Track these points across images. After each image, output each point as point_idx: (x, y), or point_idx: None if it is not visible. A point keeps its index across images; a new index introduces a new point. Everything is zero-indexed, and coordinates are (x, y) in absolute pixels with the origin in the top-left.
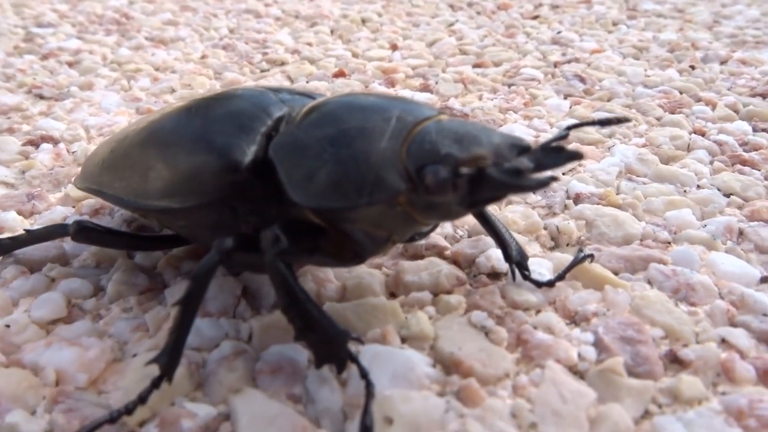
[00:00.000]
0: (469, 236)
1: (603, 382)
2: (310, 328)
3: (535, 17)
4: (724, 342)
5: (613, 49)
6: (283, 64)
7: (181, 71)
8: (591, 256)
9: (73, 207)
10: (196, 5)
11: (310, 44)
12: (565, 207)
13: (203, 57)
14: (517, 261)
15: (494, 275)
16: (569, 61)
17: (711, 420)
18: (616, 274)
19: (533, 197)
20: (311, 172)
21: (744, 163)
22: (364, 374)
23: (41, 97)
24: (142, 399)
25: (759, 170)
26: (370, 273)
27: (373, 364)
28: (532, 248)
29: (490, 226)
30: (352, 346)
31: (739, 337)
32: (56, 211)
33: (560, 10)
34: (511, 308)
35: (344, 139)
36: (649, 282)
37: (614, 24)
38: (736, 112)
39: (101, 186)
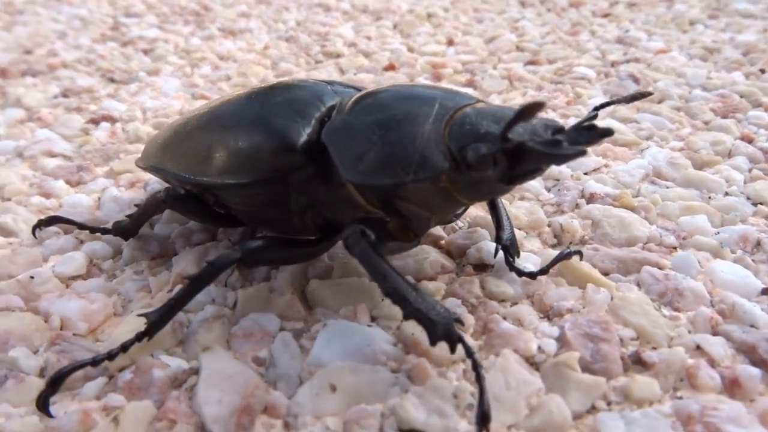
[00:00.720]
0: (469, 227)
1: (555, 374)
2: (418, 308)
3: (606, 15)
4: (698, 348)
5: (681, 50)
6: (338, 56)
7: (241, 61)
8: (579, 252)
9: (114, 180)
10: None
11: (369, 38)
12: (576, 206)
13: (266, 48)
14: (505, 246)
15: (481, 266)
16: (628, 61)
17: (656, 421)
18: (606, 274)
19: (545, 195)
20: (361, 153)
21: None
22: (470, 354)
23: (112, 80)
24: (124, 348)
25: None
26: None
27: (336, 337)
28: (532, 244)
29: (494, 209)
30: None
31: (715, 345)
32: (99, 182)
33: (636, 8)
34: (488, 298)
35: (391, 123)
36: (638, 284)
37: (691, 23)
38: None
39: (163, 165)
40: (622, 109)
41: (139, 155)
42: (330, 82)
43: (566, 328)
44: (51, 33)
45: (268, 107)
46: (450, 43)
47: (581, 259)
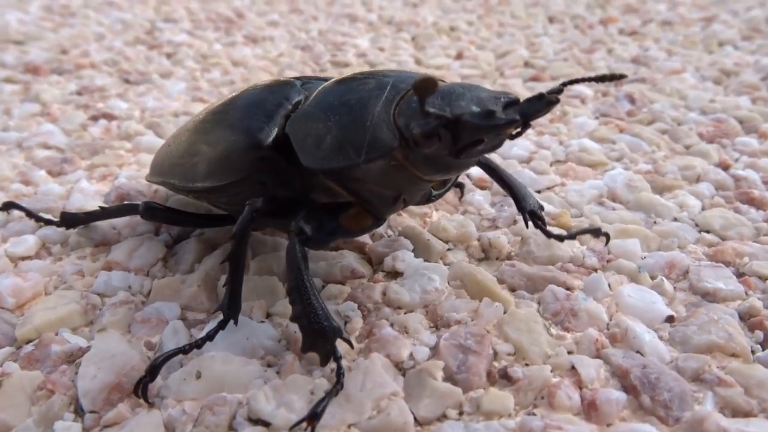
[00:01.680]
0: (398, 235)
1: (416, 380)
2: (306, 315)
3: (633, 33)
4: (572, 369)
5: (697, 71)
6: (346, 65)
7: (251, 67)
8: (606, 234)
9: (89, 173)
10: (306, 8)
11: (382, 49)
12: (514, 222)
13: (279, 55)
14: (530, 210)
15: (393, 274)
16: (634, 81)
17: None
18: (513, 290)
19: (487, 210)
20: (318, 140)
21: (750, 201)
22: (339, 374)
23: (127, 81)
24: (210, 337)
25: (762, 210)
26: (281, 256)
27: (230, 331)
28: (456, 256)
29: (499, 177)
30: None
31: (589, 367)
32: (77, 174)
33: (668, 27)
34: (384, 305)
35: (344, 108)
36: (539, 302)
37: (720, 45)
38: None
39: (164, 176)
40: (602, 129)
41: (123, 152)
42: (301, 78)
43: (443, 338)
44: (91, 35)
45: (239, 111)
46: (459, 56)
47: (606, 244)
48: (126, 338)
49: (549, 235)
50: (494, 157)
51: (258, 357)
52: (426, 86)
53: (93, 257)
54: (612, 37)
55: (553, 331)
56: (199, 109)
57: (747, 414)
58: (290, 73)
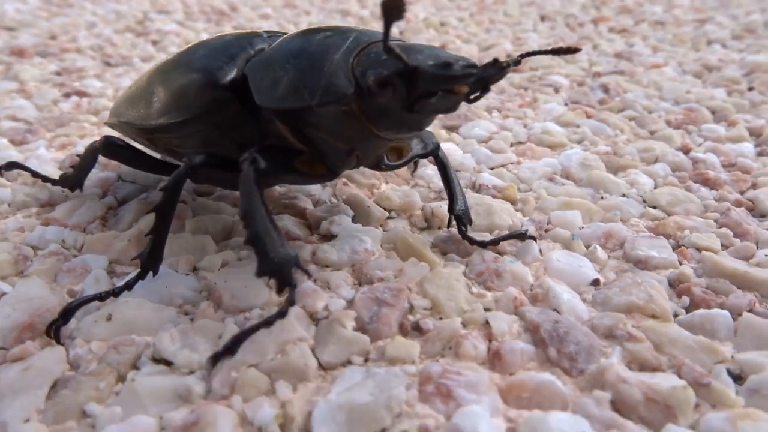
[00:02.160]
0: (340, 203)
1: (326, 329)
2: (261, 239)
3: (622, 31)
4: (486, 323)
5: (679, 66)
6: None
7: None
8: (533, 238)
9: (49, 142)
10: (300, 3)
11: None
12: None
13: None
14: (458, 216)
15: (327, 237)
16: (612, 73)
17: (394, 377)
18: (445, 254)
19: (436, 183)
20: (275, 81)
21: (704, 182)
22: (291, 303)
23: (108, 64)
24: (129, 286)
25: (715, 190)
26: (221, 218)
27: (151, 281)
28: (397, 224)
29: (446, 178)
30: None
31: (502, 321)
32: (38, 143)
33: (660, 27)
34: (312, 263)
35: (304, 53)
36: (467, 265)
37: (709, 43)
38: (756, 135)
39: (119, 116)
40: (569, 114)
41: (87, 124)
42: (269, 32)
43: (360, 291)
44: (82, 23)
45: (201, 52)
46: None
47: (536, 242)
48: (49, 285)
49: (471, 241)
50: (455, 137)
51: (175, 305)
52: (394, 7)
53: (37, 216)
54: (600, 34)
55: (474, 289)
56: None
57: (654, 369)
58: None
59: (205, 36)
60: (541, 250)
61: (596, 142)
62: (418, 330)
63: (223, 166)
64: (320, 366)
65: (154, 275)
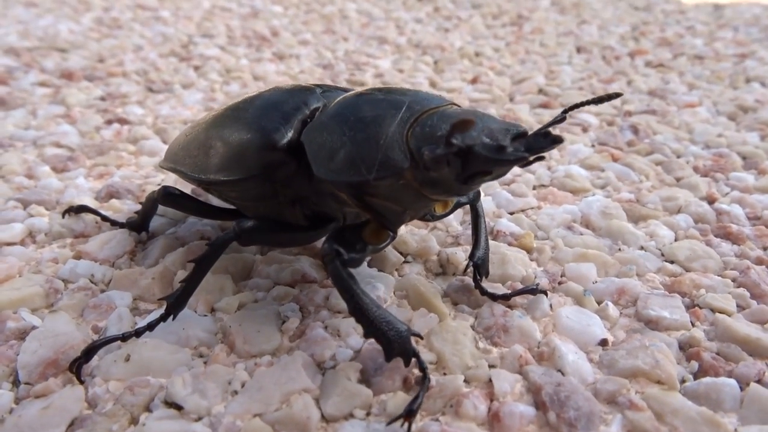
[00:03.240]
0: None
1: (331, 379)
2: (376, 330)
3: (659, 65)
4: (489, 381)
5: (714, 106)
6: (362, 84)
7: (269, 82)
8: (545, 292)
9: (88, 170)
10: (340, 29)
11: (401, 70)
12: None
13: (300, 72)
14: (476, 264)
15: None
16: (644, 113)
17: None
18: (456, 304)
19: (455, 227)
20: (332, 152)
21: (726, 236)
22: (422, 368)
23: (150, 90)
24: (150, 327)
25: (737, 245)
26: (242, 257)
27: (171, 322)
28: (413, 269)
29: (476, 226)
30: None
31: (505, 381)
32: (78, 171)
33: (698, 62)
34: (326, 308)
35: (360, 125)
36: (476, 317)
37: (747, 81)
38: None
39: (176, 164)
40: (595, 157)
41: (125, 153)
42: (320, 86)
43: (368, 342)
44: (130, 46)
45: (257, 111)
46: (474, 81)
47: (546, 296)
48: (76, 321)
49: (482, 291)
50: None
51: (191, 347)
52: (464, 125)
53: (71, 247)
54: (636, 68)
55: (481, 344)
56: None
57: None
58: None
59: (244, 62)
60: (551, 305)
61: (620, 188)
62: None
63: (271, 229)
64: (323, 417)
65: (173, 319)
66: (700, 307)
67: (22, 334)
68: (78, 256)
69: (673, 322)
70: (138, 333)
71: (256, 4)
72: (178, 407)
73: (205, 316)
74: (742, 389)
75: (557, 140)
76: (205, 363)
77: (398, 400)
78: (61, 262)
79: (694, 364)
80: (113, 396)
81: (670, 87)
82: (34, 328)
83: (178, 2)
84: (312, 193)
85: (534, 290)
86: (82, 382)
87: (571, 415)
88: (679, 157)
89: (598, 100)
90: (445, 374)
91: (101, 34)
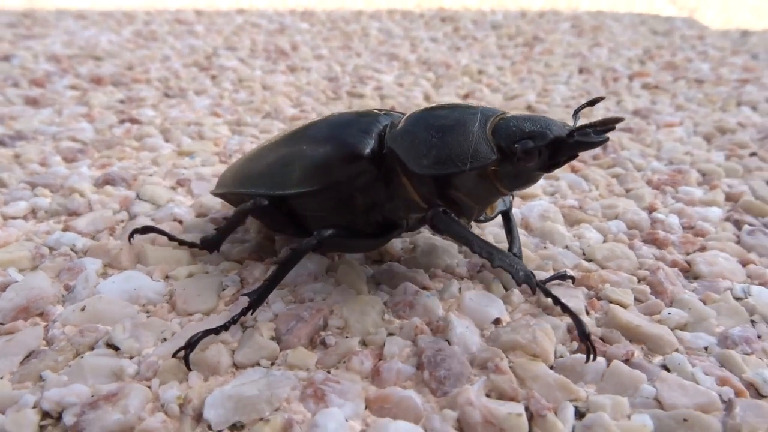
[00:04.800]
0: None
1: (248, 335)
2: (503, 261)
3: (654, 88)
4: (383, 346)
5: (695, 126)
6: (360, 96)
7: (275, 92)
8: (572, 278)
9: (92, 161)
10: (356, 46)
11: (401, 85)
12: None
13: (307, 83)
14: (514, 254)
15: None
16: (621, 130)
17: (281, 379)
18: (378, 284)
19: None
20: (425, 151)
21: (653, 241)
22: (548, 293)
23: (166, 95)
24: (234, 321)
25: (659, 249)
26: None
27: (121, 280)
28: (353, 256)
29: (509, 230)
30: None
31: (395, 345)
32: (85, 161)
33: (697, 85)
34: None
35: (445, 128)
36: (391, 295)
37: (738, 105)
38: (733, 200)
39: (242, 187)
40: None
41: (129, 149)
42: (381, 110)
43: (287, 308)
44: (159, 56)
45: (336, 128)
46: (466, 96)
47: (573, 283)
48: (51, 279)
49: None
50: None
51: (139, 304)
52: (613, 121)
53: (64, 222)
54: (630, 89)
55: (387, 317)
56: (211, 121)
57: (511, 398)
58: (304, 99)
59: (258, 73)
60: (460, 289)
61: (567, 195)
62: (323, 344)
63: (347, 236)
64: (234, 364)
65: (253, 313)
66: (599, 299)
67: (4, 287)
68: (65, 229)
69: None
70: (226, 327)
71: (285, 20)
72: (116, 348)
73: (158, 281)
74: (608, 366)
75: (617, 120)
76: (147, 317)
77: (297, 353)
78: (51, 233)
79: (574, 344)
80: (67, 337)
81: (657, 108)
82: (15, 282)
83: (214, 17)
84: (387, 199)
85: (563, 276)
86: (190, 370)
87: (442, 374)
88: (638, 171)
89: (590, 103)
90: (347, 337)
91: (137, 45)
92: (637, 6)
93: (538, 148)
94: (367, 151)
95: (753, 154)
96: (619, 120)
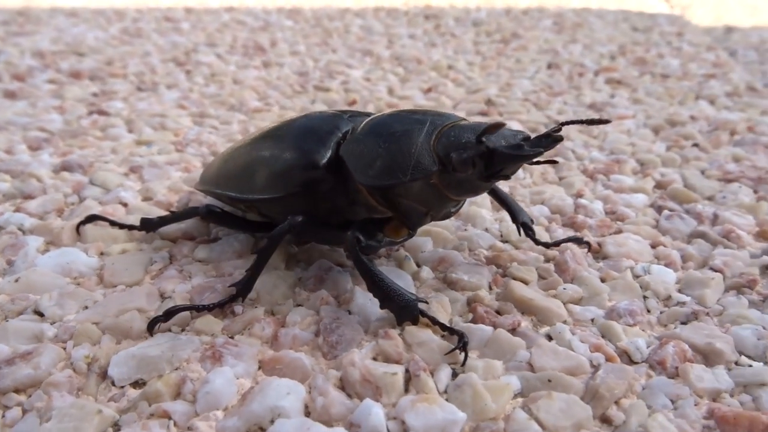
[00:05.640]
0: None
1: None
2: (390, 299)
3: (618, 83)
4: (287, 315)
5: (647, 119)
6: (327, 90)
7: (244, 86)
8: (588, 244)
9: (54, 149)
10: (333, 42)
11: (368, 80)
12: None
13: (277, 78)
14: (522, 222)
15: (214, 240)
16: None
17: (185, 342)
18: (298, 262)
19: None
20: (371, 162)
21: (571, 225)
22: (447, 328)
23: (139, 89)
24: (221, 305)
25: (576, 232)
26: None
27: (57, 255)
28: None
29: (500, 198)
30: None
31: (299, 314)
32: (48, 150)
33: (661, 80)
34: (189, 257)
35: (393, 138)
36: (306, 271)
37: (697, 98)
38: (662, 188)
39: (217, 187)
40: None
41: (92, 138)
42: (345, 112)
43: (205, 280)
44: (140, 51)
45: (296, 136)
46: (428, 90)
47: (589, 251)
48: None
49: (537, 242)
50: None
51: (71, 277)
52: (495, 127)
53: (18, 205)
54: (593, 84)
55: (297, 290)
56: (176, 113)
57: (396, 362)
58: (271, 93)
59: (232, 68)
60: (342, 266)
61: (500, 182)
62: (232, 314)
63: (317, 225)
64: (148, 330)
65: (242, 301)
66: (504, 276)
67: None
68: (17, 210)
69: (469, 284)
70: (210, 308)
71: (271, 18)
72: (41, 314)
73: (92, 258)
74: (492, 334)
75: (557, 139)
76: (75, 288)
77: (205, 320)
78: (2, 214)
79: (470, 315)
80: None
81: (614, 101)
82: None
83: (202, 15)
84: (346, 204)
85: (579, 240)
86: (152, 335)
87: (334, 339)
88: (578, 160)
89: (589, 122)
90: (255, 307)
91: (121, 41)
92: (627, 3)
93: (471, 159)
94: (323, 161)
95: (695, 145)
96: (559, 139)
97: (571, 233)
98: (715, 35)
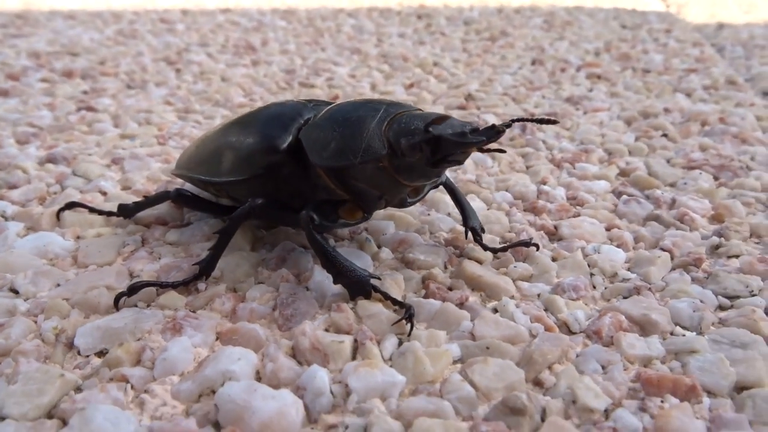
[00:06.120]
0: None
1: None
2: (342, 274)
3: (598, 78)
4: (245, 292)
5: (622, 111)
6: (312, 87)
7: (231, 83)
8: (536, 245)
9: (41, 143)
10: (323, 41)
11: (353, 76)
12: None
13: (264, 76)
14: (472, 227)
15: (186, 224)
16: (546, 113)
17: (149, 315)
18: (265, 244)
19: None
20: (325, 144)
21: (531, 210)
22: (387, 297)
23: (128, 87)
24: (185, 283)
25: (533, 216)
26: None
27: (35, 238)
28: (256, 222)
29: (457, 200)
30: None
31: (257, 291)
32: (35, 144)
33: (642, 74)
34: (161, 240)
35: (347, 123)
36: (270, 252)
37: (674, 91)
38: (624, 176)
39: (189, 171)
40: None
41: (78, 132)
42: (310, 101)
43: (173, 261)
44: (133, 51)
45: (260, 122)
46: (411, 86)
47: (537, 250)
48: None
49: (485, 248)
50: None
51: (47, 258)
52: (441, 119)
53: (2, 194)
54: (574, 79)
55: (260, 269)
56: (162, 108)
57: (346, 332)
58: (256, 89)
59: (221, 66)
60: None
61: (468, 170)
62: (196, 291)
63: (277, 207)
64: (114, 305)
65: (206, 279)
66: (459, 256)
67: None
68: (0, 198)
69: (424, 263)
70: (174, 285)
71: (265, 18)
72: (16, 291)
73: (69, 241)
74: (439, 308)
75: (500, 131)
76: (49, 268)
77: (169, 296)
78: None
79: (423, 291)
80: None
81: (591, 95)
82: None
83: (198, 16)
84: (308, 188)
85: (527, 243)
86: (117, 310)
87: (289, 312)
88: (548, 150)
89: (539, 121)
90: (218, 285)
91: (116, 42)
92: (622, 1)
93: (419, 144)
94: (284, 145)
95: (664, 135)
96: (501, 131)
97: (530, 217)
98: (705, 32)
